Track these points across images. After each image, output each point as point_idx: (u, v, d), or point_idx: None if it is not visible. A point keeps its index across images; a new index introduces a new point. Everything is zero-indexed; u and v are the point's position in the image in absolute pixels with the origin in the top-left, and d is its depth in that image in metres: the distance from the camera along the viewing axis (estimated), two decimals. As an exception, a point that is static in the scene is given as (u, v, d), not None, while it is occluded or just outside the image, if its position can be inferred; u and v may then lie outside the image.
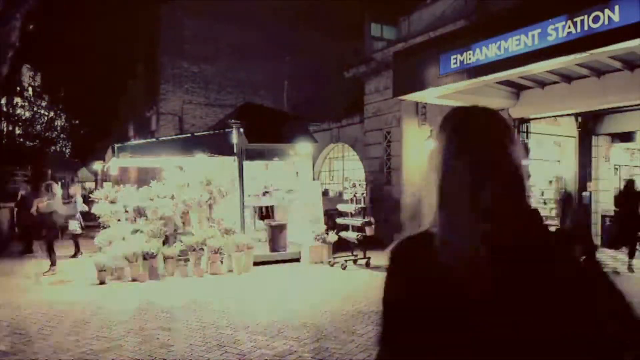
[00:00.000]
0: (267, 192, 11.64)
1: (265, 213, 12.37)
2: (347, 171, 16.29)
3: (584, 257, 0.96)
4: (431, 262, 0.94)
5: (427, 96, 8.96)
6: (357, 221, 9.83)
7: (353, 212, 9.97)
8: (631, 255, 8.60)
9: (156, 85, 21.30)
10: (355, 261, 9.77)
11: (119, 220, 10.21)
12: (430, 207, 1.00)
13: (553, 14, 6.18)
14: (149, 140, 13.61)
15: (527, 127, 10.43)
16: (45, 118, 26.00)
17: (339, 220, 10.43)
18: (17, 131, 23.68)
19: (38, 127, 25.36)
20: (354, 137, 15.73)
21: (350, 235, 9.86)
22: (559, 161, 11.74)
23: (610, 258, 9.64)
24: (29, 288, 8.12)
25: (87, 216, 11.52)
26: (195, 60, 21.09)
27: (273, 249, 10.36)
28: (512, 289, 0.89)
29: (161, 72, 20.98)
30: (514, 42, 6.67)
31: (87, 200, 12.23)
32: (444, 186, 0.98)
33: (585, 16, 5.82)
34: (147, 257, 8.55)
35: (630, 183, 9.15)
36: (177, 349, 5.01)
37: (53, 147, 27.36)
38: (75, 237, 11.11)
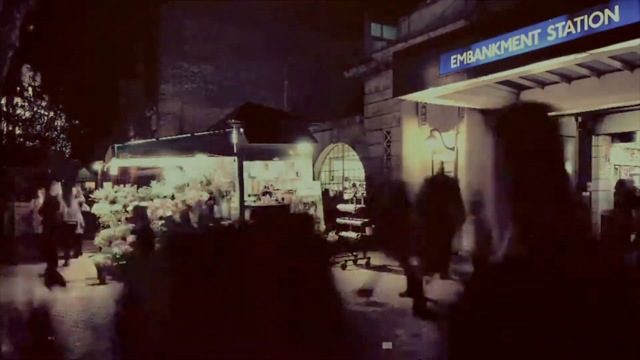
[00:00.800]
0: (267, 192, 11.64)
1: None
2: (347, 171, 16.28)
3: None
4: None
5: (427, 96, 8.96)
6: (357, 221, 9.84)
7: (353, 212, 9.97)
8: None
9: (156, 85, 21.31)
10: (355, 261, 9.77)
11: (119, 220, 10.20)
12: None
13: (553, 14, 6.18)
14: (149, 140, 13.61)
15: (527, 127, 10.40)
16: (45, 118, 25.98)
17: (339, 220, 10.43)
18: (17, 131, 23.69)
19: (38, 127, 25.35)
20: (354, 137, 15.72)
21: (350, 235, 9.87)
22: (559, 161, 11.72)
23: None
24: (30, 288, 8.11)
25: (87, 216, 11.51)
26: (195, 60, 21.08)
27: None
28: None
29: (161, 72, 20.98)
30: (514, 42, 6.67)
31: (87, 200, 12.22)
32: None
33: (585, 16, 5.82)
34: (147, 257, 8.54)
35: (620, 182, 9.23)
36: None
37: (53, 147, 27.35)
38: (76, 238, 11.11)
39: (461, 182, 9.87)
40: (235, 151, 10.40)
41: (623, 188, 8.96)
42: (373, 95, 13.98)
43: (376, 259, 9.45)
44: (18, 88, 23.68)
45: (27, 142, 24.05)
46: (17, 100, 23.65)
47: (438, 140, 10.30)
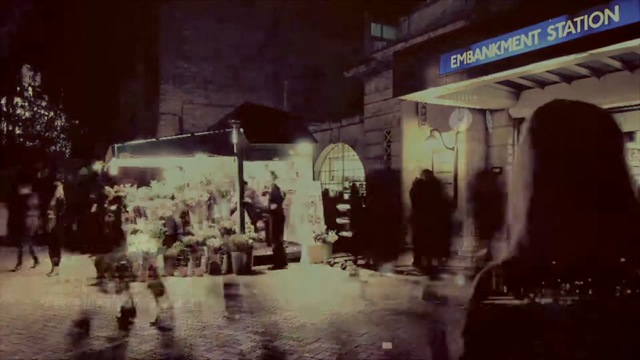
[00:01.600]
0: (267, 192, 11.63)
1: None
2: (347, 171, 16.28)
3: None
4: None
5: (427, 96, 8.96)
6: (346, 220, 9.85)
7: (345, 212, 9.98)
8: None
9: (156, 85, 21.30)
10: (355, 261, 9.77)
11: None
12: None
13: (553, 14, 6.18)
14: (149, 140, 13.59)
15: (527, 127, 10.41)
16: (45, 118, 26.00)
17: (339, 221, 10.44)
18: (17, 131, 23.69)
19: (38, 127, 25.36)
20: (354, 137, 15.71)
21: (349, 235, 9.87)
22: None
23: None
24: (30, 288, 8.12)
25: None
26: (195, 60, 21.07)
27: (273, 249, 10.36)
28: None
29: (161, 72, 20.97)
30: (514, 42, 6.67)
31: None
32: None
33: (585, 16, 5.81)
34: (147, 257, 8.56)
35: None
36: (177, 349, 5.02)
37: (53, 147, 27.35)
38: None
39: (461, 183, 9.89)
40: (235, 151, 10.41)
41: None
42: (373, 95, 13.97)
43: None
44: (18, 88, 23.68)
45: (27, 142, 24.05)
46: (17, 100, 23.66)
47: (438, 140, 10.30)
